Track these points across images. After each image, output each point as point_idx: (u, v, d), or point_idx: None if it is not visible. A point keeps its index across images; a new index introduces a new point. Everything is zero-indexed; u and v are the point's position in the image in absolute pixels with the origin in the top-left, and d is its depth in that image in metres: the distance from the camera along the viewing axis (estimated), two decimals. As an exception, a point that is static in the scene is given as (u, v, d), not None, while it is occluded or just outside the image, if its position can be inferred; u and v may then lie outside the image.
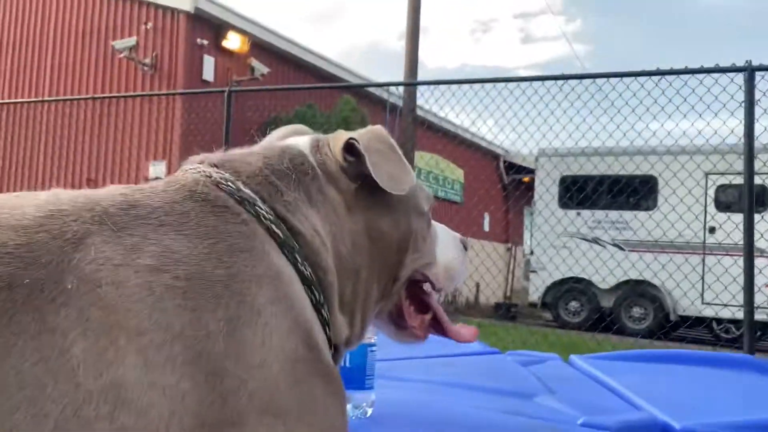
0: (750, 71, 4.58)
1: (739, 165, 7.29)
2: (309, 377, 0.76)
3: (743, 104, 4.61)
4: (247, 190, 0.88)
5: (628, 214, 9.28)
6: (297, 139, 1.07)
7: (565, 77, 6.01)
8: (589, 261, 8.01)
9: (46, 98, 10.14)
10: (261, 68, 11.24)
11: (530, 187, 10.03)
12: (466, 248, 1.23)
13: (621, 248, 9.13)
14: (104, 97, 9.36)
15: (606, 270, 8.32)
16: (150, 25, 10.71)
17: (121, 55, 10.63)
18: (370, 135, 1.03)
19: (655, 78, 5.59)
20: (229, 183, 0.87)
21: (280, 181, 0.92)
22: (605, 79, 5.83)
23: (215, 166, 0.92)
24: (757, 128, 4.66)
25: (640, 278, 8.65)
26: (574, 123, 6.56)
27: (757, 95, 4.60)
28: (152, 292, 0.69)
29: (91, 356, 0.64)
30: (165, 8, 10.69)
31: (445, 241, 1.18)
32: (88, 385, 0.63)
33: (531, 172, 10.63)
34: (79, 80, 11.23)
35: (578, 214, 9.24)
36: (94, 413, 0.63)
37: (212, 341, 0.70)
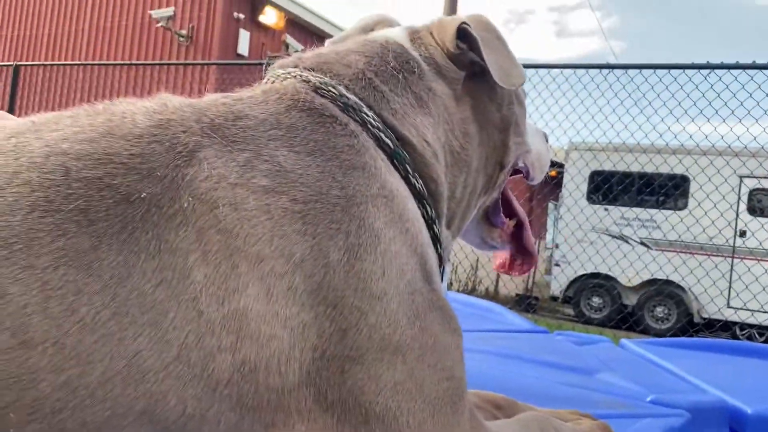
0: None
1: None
2: (427, 311, 0.74)
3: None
4: (352, 96, 0.84)
5: (657, 214, 9.16)
6: (391, 31, 1.02)
7: (597, 66, 5.91)
8: (615, 259, 7.94)
9: (82, 62, 10.20)
10: (295, 45, 11.22)
11: (557, 180, 9.92)
12: (547, 140, 1.24)
13: (648, 247, 9.03)
14: (139, 64, 9.39)
15: (632, 268, 8.24)
16: (188, -5, 10.71)
17: (158, 24, 10.66)
18: (476, 22, 0.99)
19: (696, 78, 5.46)
20: (331, 88, 0.84)
21: (385, 84, 0.88)
22: (643, 78, 5.72)
23: (311, 69, 0.88)
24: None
25: (666, 278, 8.55)
26: (609, 120, 6.47)
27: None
28: (271, 216, 0.67)
29: (213, 283, 0.62)
30: (204, -21, 10.68)
31: (533, 132, 1.17)
32: (210, 313, 0.61)
33: (559, 165, 10.52)
34: (116, 46, 11.28)
35: (606, 210, 9.14)
36: (217, 344, 0.61)
37: (333, 271, 0.67)
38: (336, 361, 0.66)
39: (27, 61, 11.70)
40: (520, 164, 1.14)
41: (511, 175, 1.16)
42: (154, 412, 0.58)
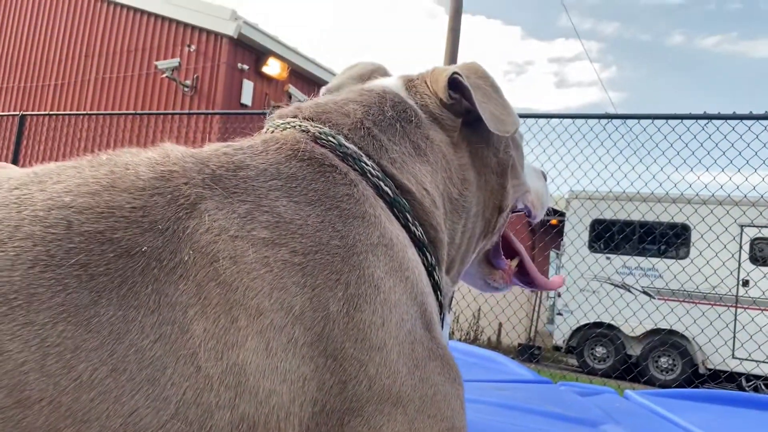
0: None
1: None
2: (427, 361, 0.73)
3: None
4: (351, 145, 0.85)
5: (659, 262, 9.14)
6: (388, 80, 1.04)
7: (596, 116, 5.96)
8: (618, 308, 7.87)
9: (88, 112, 10.34)
10: (298, 95, 11.38)
11: (557, 229, 9.92)
12: (545, 178, 1.26)
13: (651, 296, 8.97)
14: (145, 114, 9.50)
15: (635, 318, 8.17)
16: (193, 47, 10.92)
17: (164, 75, 10.83)
18: (469, 70, 1.01)
19: (693, 128, 5.51)
20: (330, 138, 0.84)
21: (383, 133, 0.89)
22: (641, 128, 5.77)
23: (310, 119, 0.88)
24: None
25: (670, 328, 8.46)
26: (608, 169, 6.50)
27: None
28: (270, 269, 0.66)
29: (212, 337, 0.61)
30: (209, 32, 10.90)
31: (530, 172, 1.19)
32: (209, 368, 0.60)
33: (559, 213, 10.53)
34: (121, 96, 11.44)
35: (608, 259, 9.11)
36: (215, 400, 0.60)
37: (332, 322, 0.67)
38: (336, 414, 0.65)
39: (33, 110, 11.86)
40: (520, 205, 1.15)
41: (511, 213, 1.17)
42: None
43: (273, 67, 11.01)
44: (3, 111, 12.15)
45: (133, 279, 0.61)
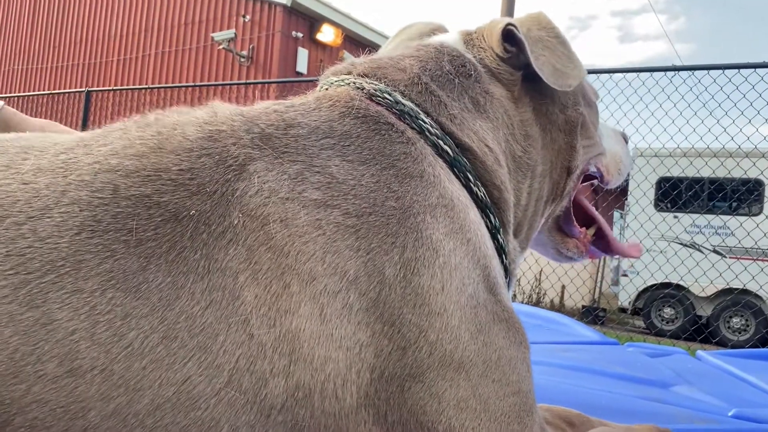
0: None
1: None
2: (491, 325, 0.70)
3: None
4: (408, 103, 0.81)
5: (730, 220, 8.79)
6: (445, 36, 0.99)
7: (661, 69, 5.70)
8: (687, 268, 7.63)
9: (149, 86, 10.56)
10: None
11: (621, 188, 9.64)
12: (626, 141, 1.19)
13: (722, 255, 8.66)
14: (203, 86, 9.64)
15: (705, 278, 7.91)
16: (248, 17, 10.97)
17: (220, 47, 10.94)
18: (531, 21, 0.96)
19: (767, 77, 5.22)
20: (386, 95, 0.81)
21: (441, 89, 0.85)
22: (711, 80, 5.50)
23: (365, 75, 0.85)
24: None
25: (743, 287, 8.17)
26: (675, 124, 6.25)
27: None
28: (323, 232, 0.64)
29: (264, 304, 0.60)
30: (263, 2, 10.92)
31: (608, 134, 1.12)
32: (261, 336, 0.59)
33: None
34: (180, 69, 11.64)
35: (676, 218, 8.82)
36: (269, 368, 0.59)
37: (389, 287, 0.64)
38: (395, 380, 0.63)
39: (97, 86, 12.20)
40: (592, 169, 1.09)
41: (583, 182, 1.11)
42: None
43: (327, 34, 10.97)
44: (70, 88, 12.54)
45: (181, 244, 0.60)
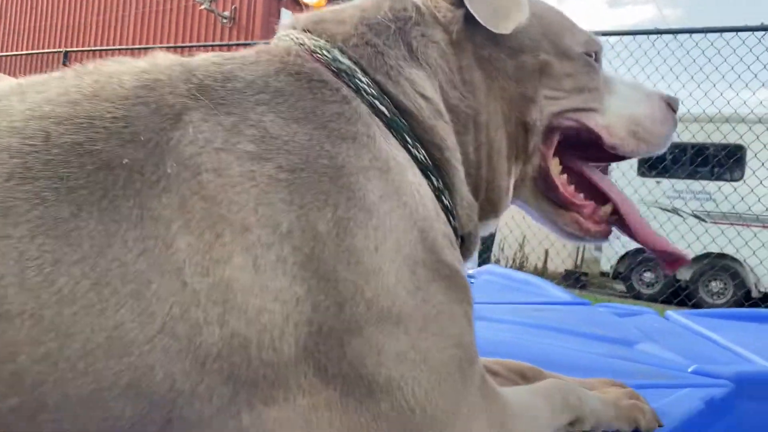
0: None
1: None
2: (431, 282, 0.71)
3: None
4: (346, 60, 0.80)
5: (711, 185, 8.87)
6: None
7: (644, 32, 5.70)
8: (666, 232, 7.72)
9: (129, 46, 10.39)
10: (337, 23, 11.19)
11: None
12: (674, 108, 1.04)
13: (702, 220, 8.76)
14: (184, 47, 9.49)
15: (684, 242, 8.01)
16: (230, -23, 10.78)
17: (202, 7, 10.75)
18: None
19: (750, 41, 5.22)
20: (325, 52, 0.80)
21: (378, 37, 0.84)
22: (693, 43, 5.50)
23: (306, 30, 0.84)
24: None
25: (721, 251, 8.29)
26: (657, 88, 6.24)
27: None
28: (256, 184, 0.64)
29: (197, 252, 0.60)
30: (245, -40, 10.72)
31: (628, 95, 1.01)
32: (195, 284, 0.59)
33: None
34: (161, 30, 11.45)
35: (657, 183, 8.89)
36: (203, 316, 0.59)
37: (323, 244, 0.65)
38: (334, 334, 0.64)
39: (76, 47, 11.98)
40: (571, 124, 0.97)
41: (572, 141, 0.99)
42: (140, 386, 0.57)
43: (311, -5, 10.80)
44: (48, 48, 12.30)
45: (114, 192, 0.59)
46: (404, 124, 0.80)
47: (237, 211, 0.62)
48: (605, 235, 1.01)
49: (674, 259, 1.00)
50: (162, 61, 0.73)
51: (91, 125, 0.62)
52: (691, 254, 1.04)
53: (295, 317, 0.63)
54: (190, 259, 0.60)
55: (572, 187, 1.01)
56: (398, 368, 0.66)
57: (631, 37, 5.83)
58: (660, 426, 0.97)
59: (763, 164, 6.81)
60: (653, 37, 5.67)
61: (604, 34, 5.64)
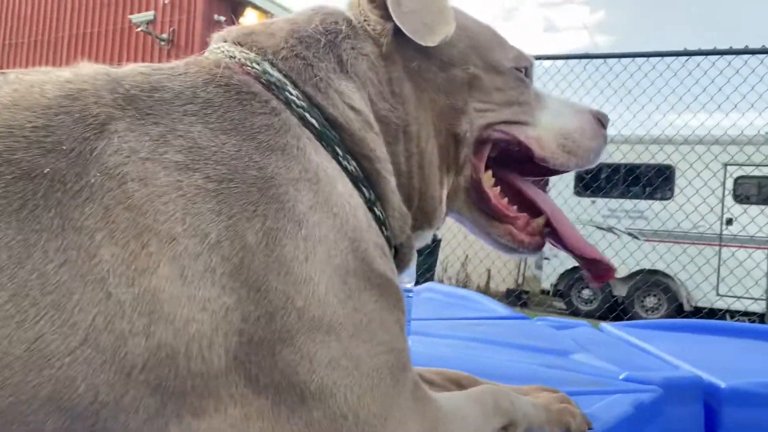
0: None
1: (758, 157, 7.21)
2: (362, 291, 0.71)
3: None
4: (276, 73, 0.80)
5: (643, 204, 9.20)
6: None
7: (576, 56, 5.92)
8: (602, 249, 7.95)
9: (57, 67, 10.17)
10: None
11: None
12: (604, 124, 1.06)
13: (636, 237, 9.06)
14: (121, 69, 9.36)
15: (619, 259, 8.26)
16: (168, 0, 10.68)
17: (139, 29, 10.60)
18: None
19: (674, 65, 5.48)
20: (255, 65, 0.80)
21: (308, 50, 0.84)
22: (623, 67, 5.74)
23: (237, 43, 0.84)
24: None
25: (654, 268, 8.58)
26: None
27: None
28: (183, 193, 0.64)
29: (122, 263, 0.59)
30: (183, -17, 10.65)
31: (559, 110, 1.03)
32: (119, 294, 0.59)
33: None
34: (96, 51, 11.22)
35: (593, 202, 9.16)
36: (128, 327, 0.58)
37: (252, 254, 0.65)
38: (265, 344, 0.64)
39: (6, 68, 11.63)
40: (501, 137, 0.98)
41: (504, 154, 1.01)
42: (61, 399, 0.56)
43: (250, 18, 10.79)
44: (-24, 71, 11.91)
45: (33, 202, 0.59)
46: (334, 136, 0.81)
47: (164, 221, 0.62)
48: (539, 247, 1.03)
49: (603, 270, 1.03)
50: (87, 70, 0.72)
51: (10, 134, 0.61)
52: (617, 267, 1.07)
53: (224, 327, 0.62)
54: (115, 270, 0.59)
55: (506, 200, 1.02)
56: (330, 375, 0.66)
57: (564, 61, 6.04)
58: (590, 428, 0.99)
59: (690, 183, 7.13)
60: (585, 61, 5.89)
61: (538, 57, 5.82)
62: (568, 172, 1.08)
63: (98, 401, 0.57)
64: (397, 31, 0.90)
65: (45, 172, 0.60)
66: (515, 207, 1.03)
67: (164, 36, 10.58)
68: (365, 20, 0.91)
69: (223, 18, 10.61)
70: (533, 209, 1.04)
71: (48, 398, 0.56)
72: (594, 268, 1.03)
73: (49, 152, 0.61)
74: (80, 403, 0.57)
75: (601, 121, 1.06)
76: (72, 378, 0.56)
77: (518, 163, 1.04)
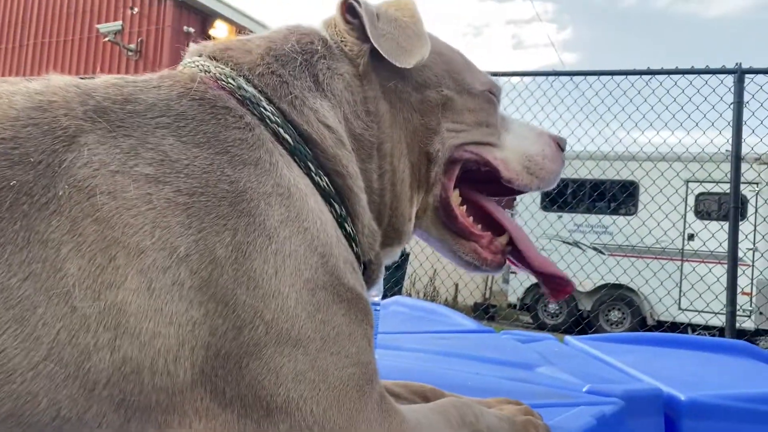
0: (740, 73, 4.63)
1: (719, 174, 7.40)
2: (330, 304, 0.72)
3: (732, 105, 4.66)
4: (250, 88, 0.81)
5: (608, 219, 9.35)
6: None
7: (542, 74, 6.02)
8: (567, 264, 8.05)
9: (27, 78, 10.00)
10: (247, 59, 11.17)
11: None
12: (562, 148, 1.10)
13: (600, 252, 9.20)
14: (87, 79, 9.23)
15: (584, 273, 8.37)
16: (136, 10, 10.59)
17: (106, 39, 10.49)
18: (391, 3, 0.97)
19: (638, 84, 5.60)
20: (230, 80, 0.81)
21: (284, 68, 0.85)
22: (588, 85, 5.85)
23: (213, 58, 0.85)
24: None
25: (619, 282, 8.72)
26: (556, 127, 6.59)
27: (746, 97, 4.65)
28: (153, 206, 0.64)
29: (88, 276, 0.59)
30: (152, -7, 10.58)
31: (522, 133, 1.07)
32: (85, 308, 0.58)
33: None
34: (62, 61, 11.06)
35: (559, 217, 9.29)
36: (93, 341, 0.58)
37: (221, 268, 0.65)
38: (233, 358, 0.64)
39: (-32, 77, 11.41)
40: (470, 157, 1.02)
41: (472, 174, 1.04)
42: (22, 414, 0.55)
43: (220, 30, 10.76)
44: (-64, 79, 11.65)
45: None
46: (307, 152, 0.81)
47: (132, 234, 0.62)
48: (500, 265, 1.05)
49: (561, 285, 1.06)
50: (57, 82, 0.71)
51: None
52: (582, 281, 1.12)
53: (191, 341, 0.62)
54: (81, 283, 0.59)
55: (471, 218, 1.05)
56: (297, 388, 0.66)
57: (531, 78, 6.14)
58: (553, 440, 1.01)
59: (653, 198, 7.26)
60: (552, 78, 5.99)
61: (505, 74, 5.91)
62: (528, 192, 1.12)
63: (60, 416, 0.57)
64: (374, 53, 0.92)
65: (11, 184, 0.60)
66: (479, 225, 1.06)
67: (132, 46, 10.48)
68: (342, 41, 0.93)
69: (192, 29, 10.56)
70: (496, 227, 1.07)
71: (9, 414, 0.55)
72: (552, 284, 1.06)
73: (15, 164, 0.61)
74: (42, 419, 0.56)
75: (560, 144, 1.11)
76: (34, 393, 0.56)
77: (482, 183, 1.07)
